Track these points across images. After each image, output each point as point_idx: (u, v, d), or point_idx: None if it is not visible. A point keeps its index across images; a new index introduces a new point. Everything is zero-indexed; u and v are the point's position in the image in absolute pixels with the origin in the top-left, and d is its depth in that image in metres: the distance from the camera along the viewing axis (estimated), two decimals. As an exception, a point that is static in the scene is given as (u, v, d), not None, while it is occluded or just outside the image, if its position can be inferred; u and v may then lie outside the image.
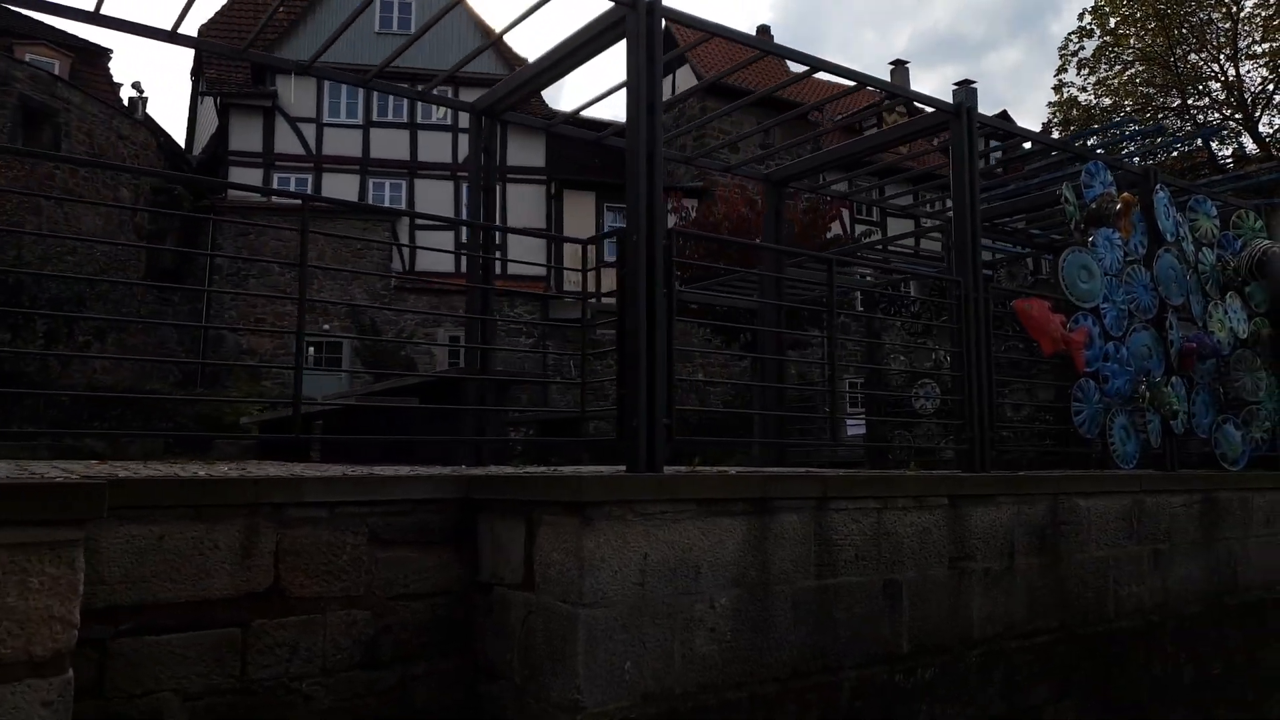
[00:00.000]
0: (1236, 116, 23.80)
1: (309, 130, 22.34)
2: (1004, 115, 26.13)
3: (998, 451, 9.81)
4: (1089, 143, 9.05)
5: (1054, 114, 23.91)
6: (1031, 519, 4.89)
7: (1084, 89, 25.83)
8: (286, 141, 22.09)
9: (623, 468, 4.03)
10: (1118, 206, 5.87)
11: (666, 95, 25.09)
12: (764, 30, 30.60)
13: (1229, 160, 23.90)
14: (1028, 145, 9.01)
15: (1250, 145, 23.63)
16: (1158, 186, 6.81)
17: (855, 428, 10.55)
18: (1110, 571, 5.27)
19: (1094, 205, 6.10)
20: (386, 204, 22.70)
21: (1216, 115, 23.22)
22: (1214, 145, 23.06)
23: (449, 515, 3.96)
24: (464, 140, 23.02)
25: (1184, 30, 23.76)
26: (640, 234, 4.11)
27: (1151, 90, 23.50)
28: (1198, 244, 7.20)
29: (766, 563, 3.84)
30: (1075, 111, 23.27)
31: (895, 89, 5.56)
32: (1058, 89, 23.54)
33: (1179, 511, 5.76)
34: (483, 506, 3.97)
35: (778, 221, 6.89)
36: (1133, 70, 23.45)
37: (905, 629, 4.27)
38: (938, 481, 4.48)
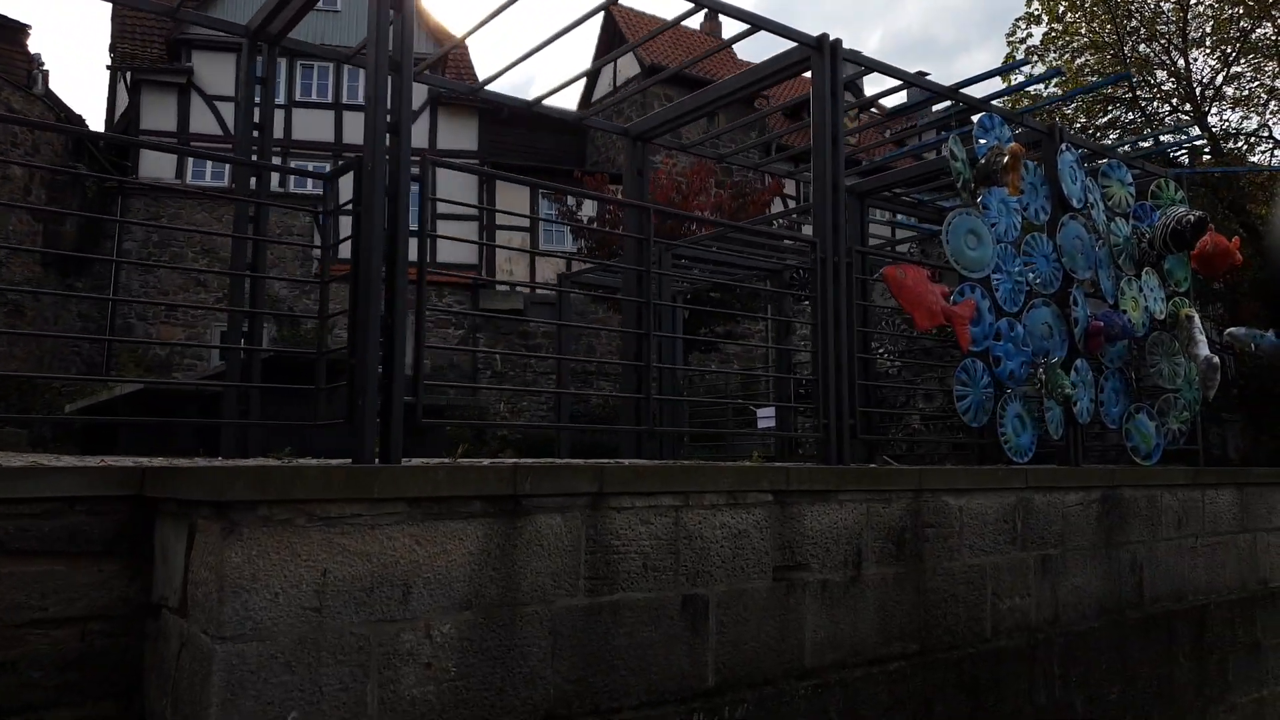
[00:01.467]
0: (1185, 108, 23.37)
1: (227, 109, 21.19)
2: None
3: (908, 446, 9.15)
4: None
5: (1006, 104, 23.27)
6: (886, 520, 4.11)
7: (1030, 76, 25.32)
8: (202, 121, 20.95)
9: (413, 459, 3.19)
10: (1004, 159, 5.12)
11: (607, 82, 24.12)
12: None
13: (1181, 153, 23.47)
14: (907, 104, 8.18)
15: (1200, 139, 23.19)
16: (1063, 147, 6.08)
17: (765, 420, 9.80)
18: (987, 582, 4.51)
19: (983, 161, 5.34)
20: (309, 187, 21.61)
21: (1166, 106, 22.73)
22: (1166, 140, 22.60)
23: (114, 518, 3.08)
24: (393, 123, 22.00)
25: (1134, 22, 23.30)
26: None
27: (1100, 79, 22.97)
28: (1110, 213, 6.50)
29: (514, 577, 3.02)
30: (1025, 101, 22.64)
31: (753, 17, 4.76)
32: (1005, 77, 22.98)
33: (1074, 512, 5.02)
34: (158, 507, 3.10)
35: (640, 180, 6.08)
36: (1082, 59, 22.91)
37: (711, 657, 3.46)
38: (759, 474, 3.68)
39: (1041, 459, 5.84)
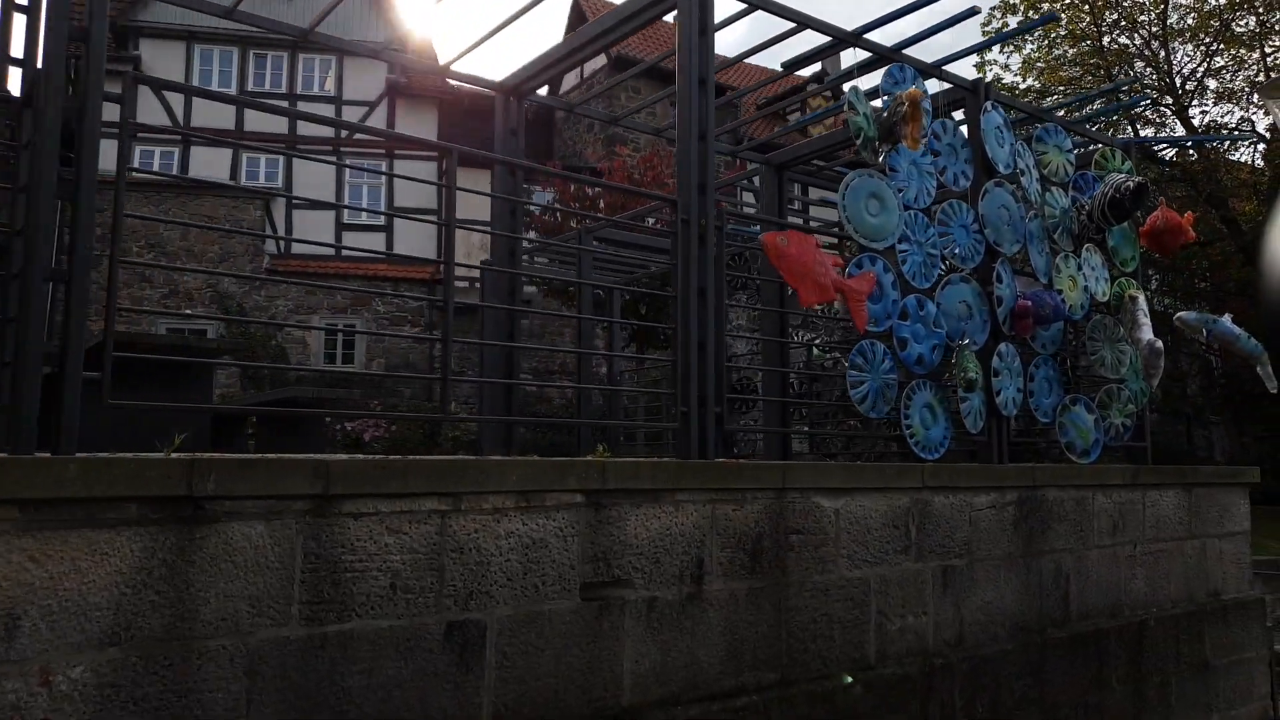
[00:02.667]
0: (1167, 101, 22.78)
1: (176, 100, 20.49)
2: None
3: (844, 444, 8.46)
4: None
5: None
6: (739, 525, 3.43)
7: (1006, 67, 24.73)
8: (149, 111, 20.22)
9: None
10: (903, 108, 4.45)
11: (573, 76, 23.32)
12: None
13: (1161, 146, 22.90)
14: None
15: (1181, 131, 22.60)
16: (989, 105, 5.42)
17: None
18: (872, 598, 3.83)
19: (886, 115, 4.67)
20: (261, 182, 20.93)
21: (1147, 99, 22.10)
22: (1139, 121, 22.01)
23: None
24: (349, 114, 21.34)
25: (1114, 14, 22.72)
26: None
27: (1079, 72, 22.36)
28: (1046, 183, 5.83)
29: (191, 603, 2.33)
30: (1002, 91, 22.04)
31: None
32: (980, 67, 22.35)
33: (985, 516, 4.35)
34: None
35: (513, 139, 5.39)
36: (1060, 51, 22.29)
37: (489, 697, 2.78)
38: (564, 470, 3.00)
39: (968, 458, 5.18)
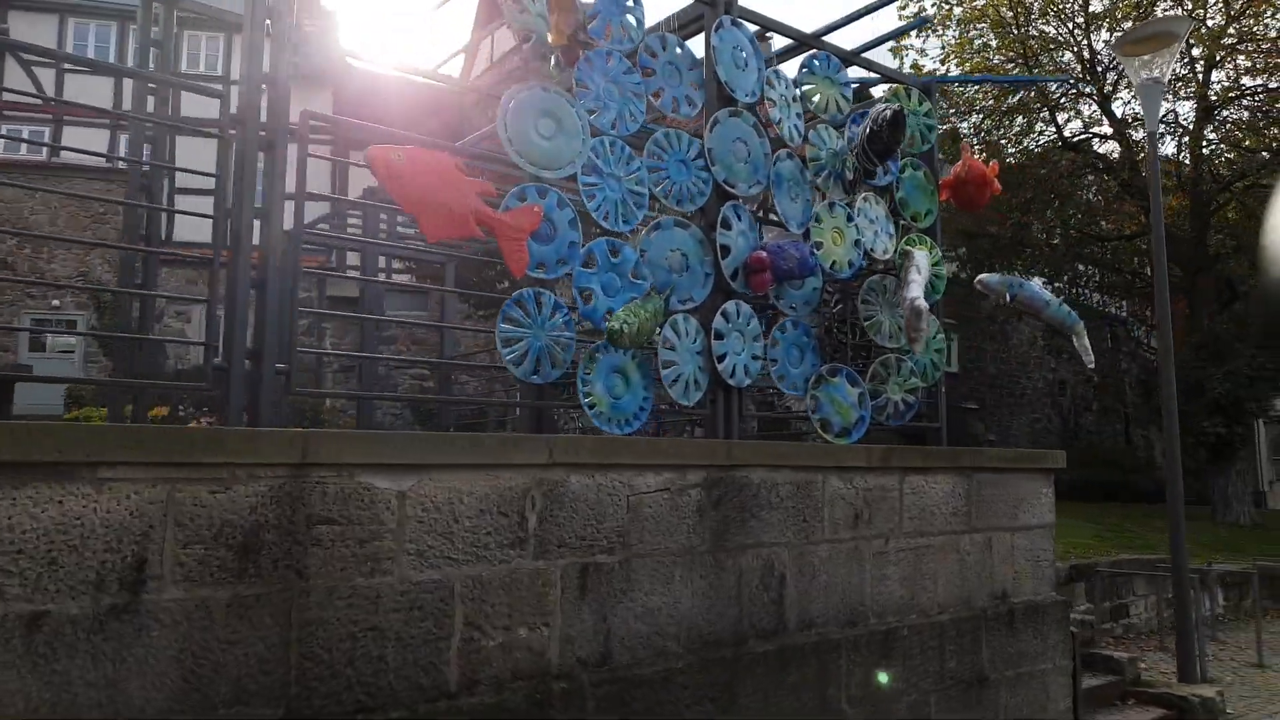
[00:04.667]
0: (1090, 90, 22.29)
1: (46, 74, 19.28)
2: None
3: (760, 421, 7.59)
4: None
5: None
6: (219, 514, 2.55)
7: (923, 52, 24.25)
8: (17, 84, 18.99)
9: None
10: (548, -8, 3.61)
11: (485, 56, 22.24)
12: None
13: (1081, 136, 22.43)
14: None
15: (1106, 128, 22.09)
16: (727, 19, 4.60)
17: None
18: (456, 607, 2.97)
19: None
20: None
21: (1069, 87, 21.58)
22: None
23: None
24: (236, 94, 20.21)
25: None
26: None
27: (1000, 59, 21.80)
28: (811, 119, 5.04)
29: None
30: (919, 74, 21.47)
31: None
32: (895, 52, 21.74)
33: (654, 501, 3.51)
34: None
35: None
36: (981, 38, 21.69)
37: None
38: None
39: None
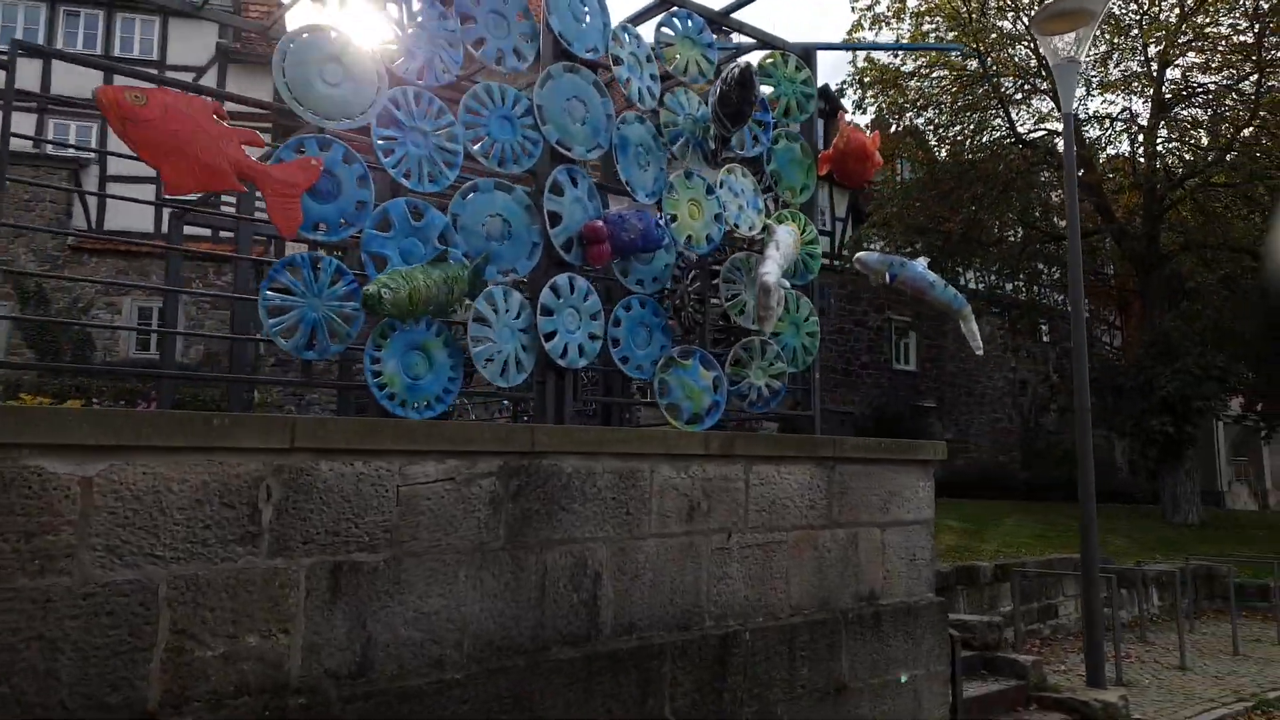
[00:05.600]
0: (1044, 86, 22.12)
1: (-30, 57, 18.56)
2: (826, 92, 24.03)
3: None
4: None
5: (854, 77, 21.85)
6: None
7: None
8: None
9: None
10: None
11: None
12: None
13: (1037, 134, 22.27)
14: None
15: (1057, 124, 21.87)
16: (564, -33, 4.21)
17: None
18: (162, 612, 2.56)
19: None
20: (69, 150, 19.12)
21: (1023, 81, 21.38)
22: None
23: None
24: (174, 80, 19.60)
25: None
26: None
27: (955, 55, 21.55)
28: (668, 82, 4.66)
29: None
30: (874, 71, 21.24)
31: None
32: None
33: (434, 492, 3.12)
34: None
35: None
36: (936, 31, 21.43)
37: None
38: None
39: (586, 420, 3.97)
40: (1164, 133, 20.69)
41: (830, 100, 24.87)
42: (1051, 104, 21.78)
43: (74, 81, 19.23)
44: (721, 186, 4.63)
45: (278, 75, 3.34)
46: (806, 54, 5.27)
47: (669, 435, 3.89)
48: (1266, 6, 17.30)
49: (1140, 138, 21.60)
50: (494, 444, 3.26)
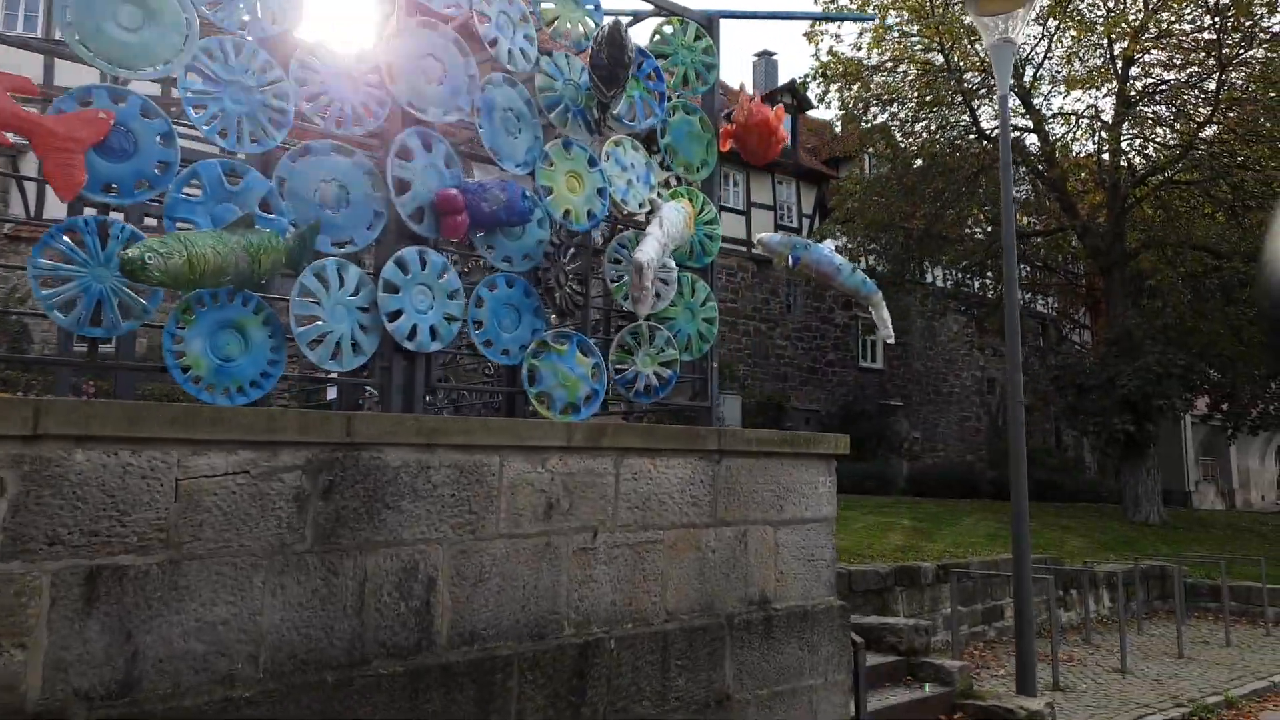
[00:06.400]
0: (1010, 84, 21.95)
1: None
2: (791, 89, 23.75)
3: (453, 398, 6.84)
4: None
5: (817, 72, 21.55)
6: None
7: (838, 37, 23.72)
8: None
9: None
10: None
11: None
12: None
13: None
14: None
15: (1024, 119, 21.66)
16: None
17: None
18: None
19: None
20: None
21: (987, 75, 21.16)
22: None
23: None
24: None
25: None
26: None
27: (920, 46, 21.31)
28: (547, 45, 4.31)
29: None
30: (837, 65, 20.95)
31: None
32: (810, 37, 21.18)
33: (226, 486, 2.75)
34: None
35: None
36: (900, 24, 21.16)
37: None
38: None
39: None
40: (1128, 129, 20.54)
41: (797, 96, 24.69)
42: (1017, 99, 21.59)
43: (11, 64, 18.63)
44: (608, 159, 4.29)
45: (60, 17, 2.97)
46: (709, 21, 4.94)
47: (522, 425, 3.54)
48: (1227, 0, 17.13)
49: (1104, 134, 21.44)
50: (299, 434, 2.90)
